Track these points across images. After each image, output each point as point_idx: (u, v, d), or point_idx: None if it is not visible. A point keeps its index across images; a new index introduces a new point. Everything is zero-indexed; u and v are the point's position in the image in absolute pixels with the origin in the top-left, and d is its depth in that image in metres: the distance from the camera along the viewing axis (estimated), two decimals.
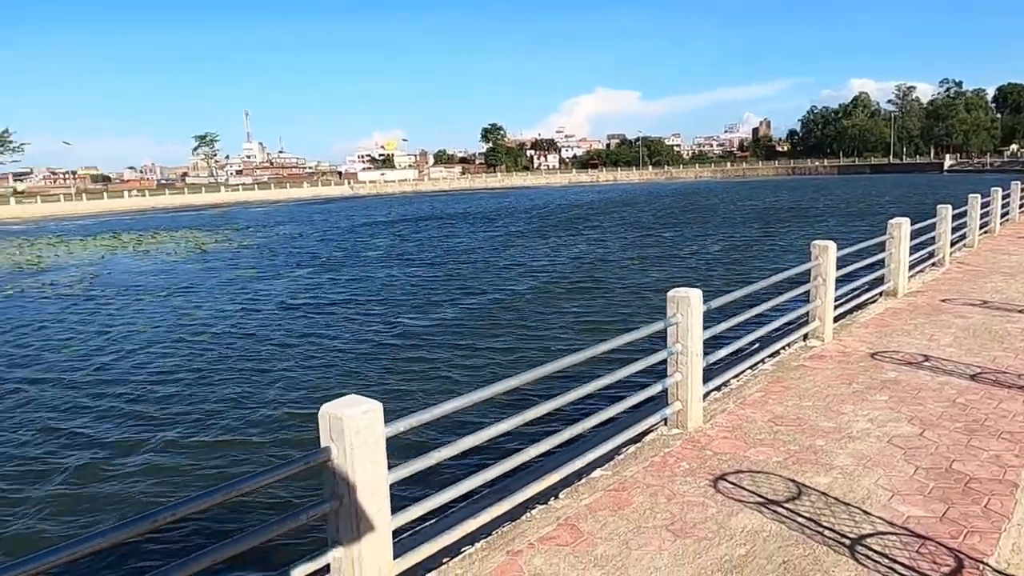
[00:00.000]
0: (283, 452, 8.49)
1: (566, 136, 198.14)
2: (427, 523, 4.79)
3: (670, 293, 5.84)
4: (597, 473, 5.15)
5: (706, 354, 6.02)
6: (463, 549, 4.18)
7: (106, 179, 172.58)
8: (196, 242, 41.06)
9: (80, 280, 26.61)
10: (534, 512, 4.62)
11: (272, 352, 13.61)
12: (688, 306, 5.66)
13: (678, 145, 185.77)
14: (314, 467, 3.29)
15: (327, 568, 3.41)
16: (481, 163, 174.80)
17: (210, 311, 18.53)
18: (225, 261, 30.83)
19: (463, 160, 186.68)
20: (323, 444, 3.24)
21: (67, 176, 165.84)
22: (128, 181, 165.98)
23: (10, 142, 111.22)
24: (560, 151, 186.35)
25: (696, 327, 5.73)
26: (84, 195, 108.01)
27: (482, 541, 4.25)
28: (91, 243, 44.37)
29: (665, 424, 5.92)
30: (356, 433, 3.17)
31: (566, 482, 4.95)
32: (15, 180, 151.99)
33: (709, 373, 6.32)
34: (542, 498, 4.77)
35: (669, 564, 3.89)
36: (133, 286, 24.32)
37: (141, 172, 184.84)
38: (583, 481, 5.04)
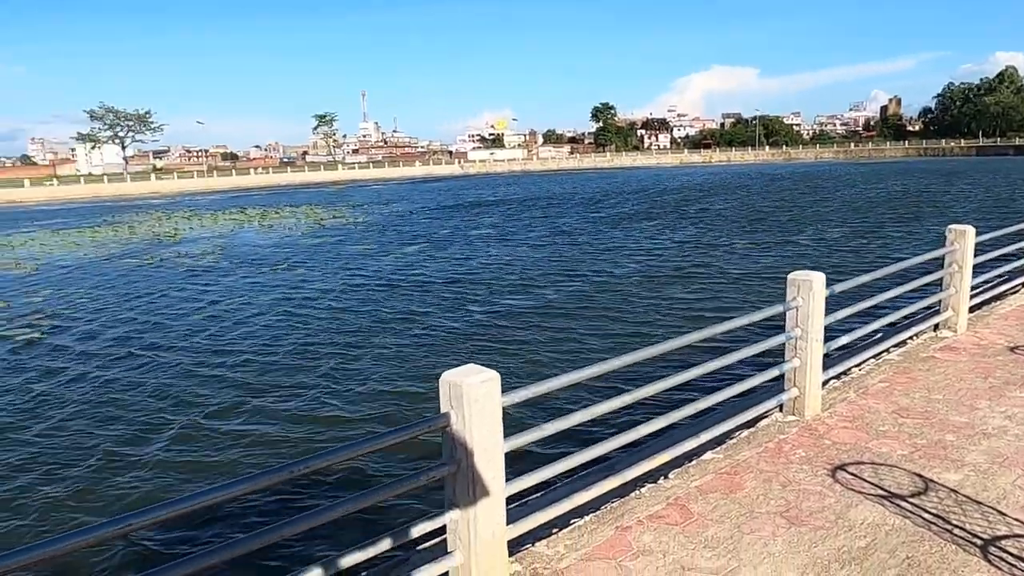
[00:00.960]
0: (395, 419, 8.82)
1: (678, 115, 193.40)
2: (537, 494, 4.87)
3: (791, 276, 5.64)
4: (708, 455, 5.09)
5: (827, 341, 5.80)
6: (572, 521, 4.24)
7: (234, 157, 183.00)
8: (315, 218, 42.94)
9: (210, 252, 28.44)
10: (643, 490, 4.62)
11: (382, 325, 14.12)
12: (810, 290, 5.46)
13: (797, 124, 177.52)
14: (433, 431, 3.43)
15: (443, 529, 3.56)
16: (590, 143, 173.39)
17: (326, 283, 19.40)
18: (341, 236, 32.10)
19: (572, 140, 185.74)
20: (442, 410, 3.36)
21: (200, 154, 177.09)
22: (254, 159, 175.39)
23: (151, 122, 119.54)
24: (671, 130, 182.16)
25: (817, 312, 5.52)
26: (215, 172, 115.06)
27: (591, 515, 4.30)
28: (220, 217, 47.27)
29: (780, 411, 5.76)
30: (475, 401, 3.27)
31: (675, 463, 4.92)
32: (155, 158, 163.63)
33: (829, 361, 6.09)
34: (650, 477, 4.76)
35: (783, 551, 3.81)
36: (257, 258, 25.77)
37: (265, 151, 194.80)
38: (693, 463, 4.99)
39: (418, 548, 4.45)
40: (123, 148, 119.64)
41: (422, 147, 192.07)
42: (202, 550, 2.88)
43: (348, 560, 3.18)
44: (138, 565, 5.83)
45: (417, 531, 3.33)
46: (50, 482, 7.66)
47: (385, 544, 3.33)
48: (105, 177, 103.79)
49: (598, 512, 4.35)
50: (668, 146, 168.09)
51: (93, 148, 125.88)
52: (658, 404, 7.23)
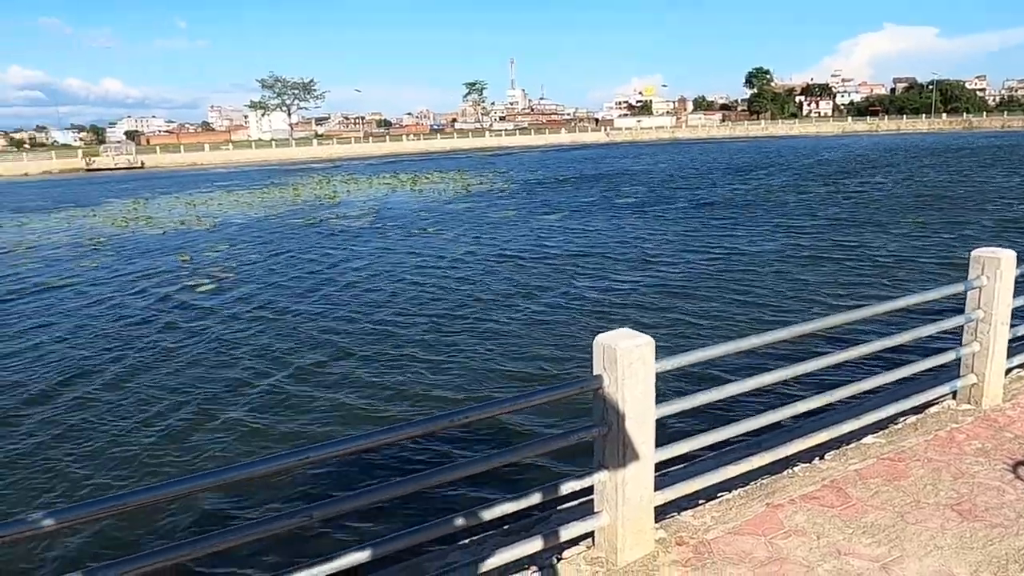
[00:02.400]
0: (537, 380, 8.97)
1: (843, 80, 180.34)
2: (682, 464, 4.82)
3: (974, 252, 5.16)
4: (869, 439, 4.81)
5: (1013, 325, 5.28)
6: (719, 494, 4.17)
7: (388, 124, 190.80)
8: (462, 183, 44.04)
9: (365, 214, 29.93)
10: (796, 470, 4.45)
11: (526, 288, 14.33)
12: (997, 267, 4.97)
13: (982, 90, 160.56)
14: (583, 392, 3.47)
15: (589, 489, 3.61)
16: (743, 110, 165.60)
17: (473, 247, 19.91)
18: (487, 202, 32.74)
19: (724, 107, 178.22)
20: (595, 372, 3.38)
21: (357, 121, 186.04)
22: (406, 126, 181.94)
23: (315, 90, 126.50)
24: (834, 97, 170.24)
25: (1005, 292, 5.03)
26: (370, 138, 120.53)
27: (740, 490, 4.20)
28: (375, 181, 49.56)
29: (953, 398, 5.33)
30: (628, 365, 3.27)
31: (832, 444, 4.69)
32: (316, 124, 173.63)
33: (1014, 348, 5.55)
34: (805, 457, 4.57)
35: (953, 545, 3.56)
36: (408, 221, 26.85)
37: (417, 118, 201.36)
38: (852, 446, 4.74)
39: (561, 507, 4.55)
40: (289, 115, 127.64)
41: (568, 115, 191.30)
42: (364, 488, 3.09)
43: (495, 511, 3.31)
44: (306, 498, 6.33)
45: (566, 488, 3.40)
46: (236, 406, 8.44)
47: (533, 499, 3.42)
48: (273, 143, 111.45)
49: (747, 487, 4.24)
50: (830, 113, 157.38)
51: (263, 115, 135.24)
52: (815, 383, 6.92)
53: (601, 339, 3.38)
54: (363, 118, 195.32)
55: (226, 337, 11.85)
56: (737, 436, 4.30)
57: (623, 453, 3.36)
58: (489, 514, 3.28)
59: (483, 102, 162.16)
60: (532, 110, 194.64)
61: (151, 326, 12.89)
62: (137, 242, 24.62)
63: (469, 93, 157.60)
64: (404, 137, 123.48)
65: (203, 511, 6.20)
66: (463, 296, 14.00)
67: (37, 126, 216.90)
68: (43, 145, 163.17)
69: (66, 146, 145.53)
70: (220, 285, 16.29)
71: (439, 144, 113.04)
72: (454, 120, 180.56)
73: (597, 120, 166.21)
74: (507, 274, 15.99)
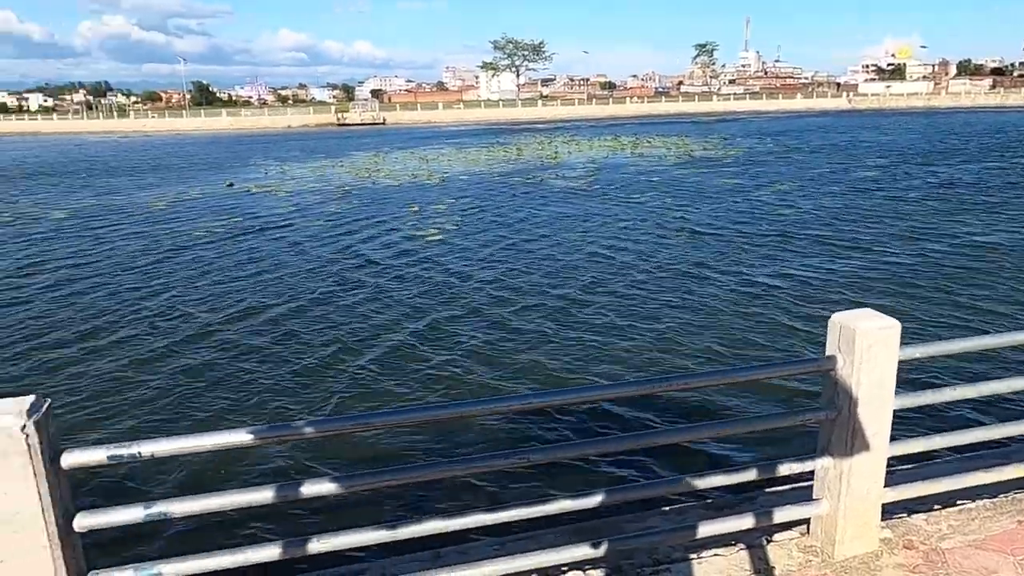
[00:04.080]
0: (757, 355, 8.59)
1: None
2: (914, 464, 4.39)
3: None
4: None
5: None
6: (959, 502, 3.76)
7: (611, 86, 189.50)
8: (684, 148, 42.77)
9: (584, 175, 30.15)
10: None
11: (748, 256, 13.68)
12: None
13: None
14: (811, 372, 3.26)
15: (810, 474, 3.41)
16: (1021, 75, 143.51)
17: (690, 214, 19.33)
18: (709, 168, 31.55)
19: (996, 71, 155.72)
20: (828, 352, 3.16)
21: (581, 83, 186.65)
22: (630, 88, 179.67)
23: (544, 52, 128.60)
24: None
25: None
26: (593, 100, 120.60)
27: (985, 500, 3.76)
28: (596, 143, 49.67)
29: None
30: (868, 348, 3.01)
31: None
32: (542, 85, 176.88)
33: None
34: None
35: None
36: (626, 184, 26.64)
37: (642, 80, 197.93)
38: None
39: (769, 489, 4.36)
40: (517, 76, 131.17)
41: (805, 78, 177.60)
42: (578, 440, 3.16)
43: (707, 481, 3.23)
44: (523, 441, 6.63)
45: (785, 469, 3.24)
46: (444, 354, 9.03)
47: (740, 476, 3.30)
48: (500, 103, 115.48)
49: (995, 500, 3.77)
50: None
51: (493, 76, 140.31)
52: None
53: (838, 318, 3.14)
54: (587, 80, 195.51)
55: (447, 283, 12.61)
56: (981, 441, 3.84)
57: (852, 442, 3.12)
58: (691, 485, 3.21)
59: (712, 64, 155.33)
60: (765, 73, 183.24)
61: (376, 269, 14.05)
62: (375, 192, 26.85)
63: (698, 55, 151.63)
64: (627, 100, 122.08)
65: (423, 442, 6.70)
66: (673, 265, 13.69)
67: (300, 84, 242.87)
68: (303, 101, 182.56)
69: (321, 103, 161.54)
70: (444, 236, 17.32)
71: (662, 107, 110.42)
72: (680, 83, 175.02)
73: (838, 85, 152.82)
74: (719, 246, 15.34)
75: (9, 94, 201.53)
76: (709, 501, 4.58)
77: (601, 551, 3.06)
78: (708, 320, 10.17)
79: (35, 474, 2.15)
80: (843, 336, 3.08)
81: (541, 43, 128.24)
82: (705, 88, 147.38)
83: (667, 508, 4.54)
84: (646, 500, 4.57)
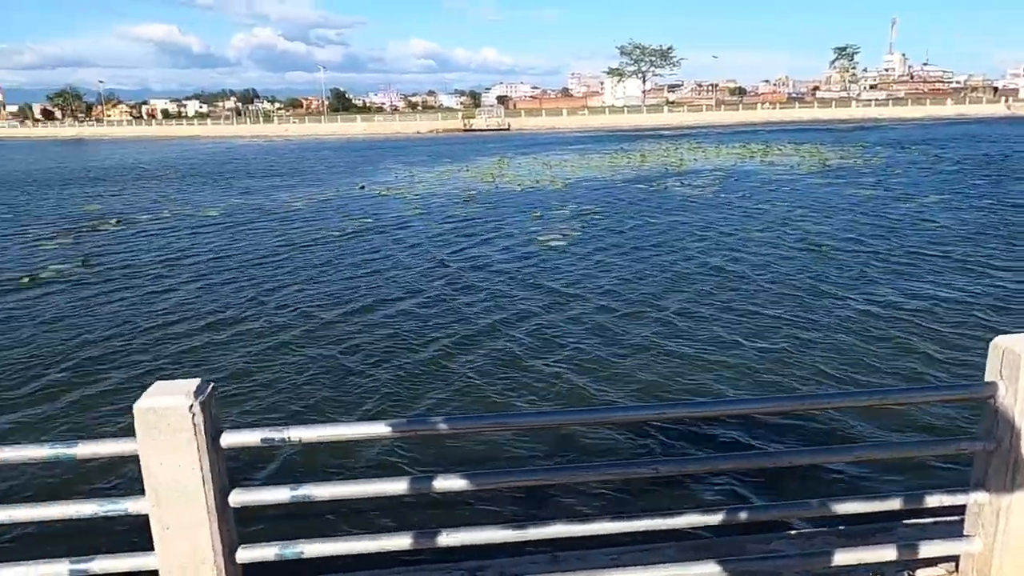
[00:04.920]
0: (899, 377, 8.07)
1: None
2: None
3: None
4: None
5: None
6: None
7: (742, 92, 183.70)
8: (819, 157, 40.83)
9: (710, 183, 29.37)
10: None
11: (888, 268, 12.87)
12: None
13: None
14: (966, 399, 3.03)
15: (957, 508, 3.17)
16: None
17: (822, 225, 18.42)
18: (846, 178, 29.94)
19: None
20: (988, 378, 2.93)
21: (709, 88, 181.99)
22: (761, 94, 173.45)
23: (671, 57, 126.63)
24: None
25: None
26: (722, 106, 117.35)
27: None
28: (723, 150, 48.31)
29: None
30: None
31: None
32: (668, 91, 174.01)
33: None
34: None
35: None
36: (754, 193, 25.73)
37: (774, 85, 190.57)
38: None
39: (914, 521, 4.08)
40: (643, 82, 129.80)
41: (957, 83, 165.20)
42: (706, 454, 3.09)
43: (841, 507, 3.07)
44: (652, 452, 6.56)
45: (934, 501, 3.02)
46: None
47: (885, 504, 3.11)
48: (625, 109, 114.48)
49: None
50: None
51: (618, 82, 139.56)
52: None
53: (1002, 342, 2.90)
54: (716, 85, 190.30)
55: (564, 290, 12.63)
56: None
57: (1012, 476, 2.87)
58: (823, 510, 3.06)
59: (852, 68, 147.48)
60: (912, 77, 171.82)
61: (495, 272, 14.25)
62: (498, 196, 27.30)
63: (837, 59, 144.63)
64: (758, 106, 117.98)
65: (541, 447, 6.74)
66: (797, 279, 13.07)
67: (429, 91, 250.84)
68: (432, 107, 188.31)
69: (449, 109, 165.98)
70: (565, 242, 17.36)
71: (796, 113, 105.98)
72: (815, 88, 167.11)
73: (995, 89, 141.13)
74: (848, 261, 14.49)
75: (170, 101, 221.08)
76: (841, 528, 4.34)
77: (722, 571, 2.98)
78: (830, 339, 9.64)
79: (198, 450, 2.34)
80: (1007, 361, 2.85)
81: (669, 48, 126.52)
82: (844, 94, 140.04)
83: (794, 532, 4.34)
84: (770, 522, 4.41)
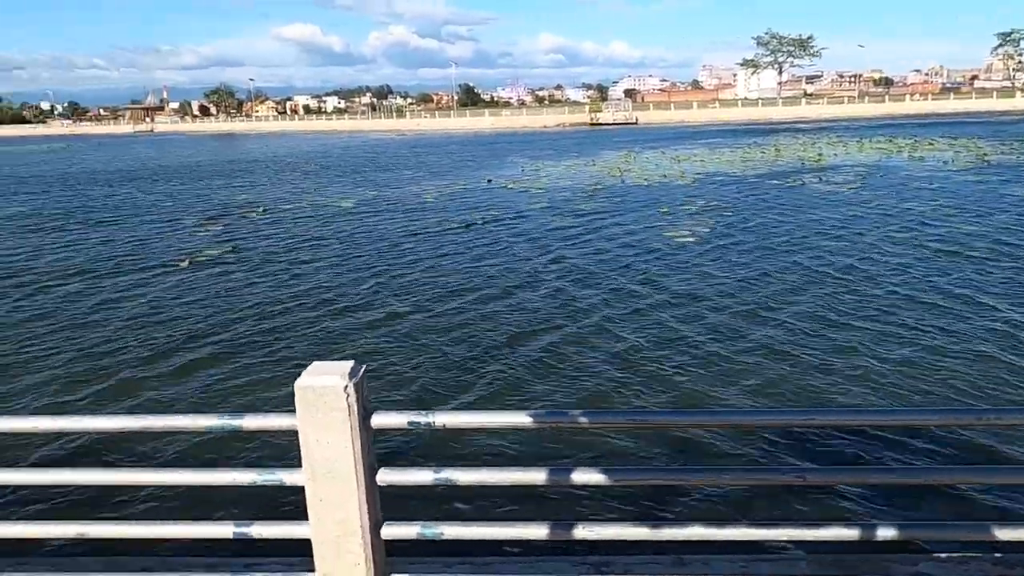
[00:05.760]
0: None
1: None
2: None
3: None
4: None
5: None
6: None
7: (888, 82, 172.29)
8: (976, 152, 37.64)
9: (849, 180, 27.73)
10: None
11: None
12: None
13: None
14: None
15: None
16: None
17: (978, 227, 16.95)
18: (1007, 176, 27.42)
19: None
20: None
21: (852, 79, 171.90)
22: (910, 84, 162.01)
23: (811, 47, 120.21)
24: None
25: None
26: (866, 98, 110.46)
27: None
28: (866, 145, 45.48)
29: None
30: None
31: None
32: (806, 83, 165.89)
33: None
34: None
35: None
36: (900, 191, 24.08)
37: (925, 75, 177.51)
38: None
39: None
40: (780, 73, 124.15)
41: None
42: (858, 465, 2.93)
43: (1007, 533, 2.83)
44: (800, 458, 6.33)
45: None
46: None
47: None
48: (759, 101, 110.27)
49: None
50: None
51: (752, 74, 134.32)
52: None
53: None
54: (859, 76, 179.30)
55: (695, 287, 12.33)
56: None
57: None
58: (974, 534, 2.84)
59: (1019, 55, 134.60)
60: None
61: (625, 268, 14.10)
62: (624, 191, 27.01)
63: (1000, 45, 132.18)
64: (906, 97, 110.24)
65: (675, 446, 6.63)
66: (944, 285, 12.08)
67: (556, 85, 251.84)
68: (559, 101, 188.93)
69: (575, 103, 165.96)
70: (694, 238, 16.94)
71: (950, 105, 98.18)
72: (974, 78, 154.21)
73: None
74: (1006, 268, 13.26)
75: (311, 97, 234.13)
76: (998, 556, 4.01)
77: None
78: (978, 352, 8.87)
79: (352, 429, 2.47)
80: None
81: (808, 37, 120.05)
82: (1007, 83, 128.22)
83: (943, 556, 4.05)
84: (917, 543, 4.15)
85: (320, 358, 3.11)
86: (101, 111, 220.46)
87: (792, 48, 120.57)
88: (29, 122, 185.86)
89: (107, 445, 6.75)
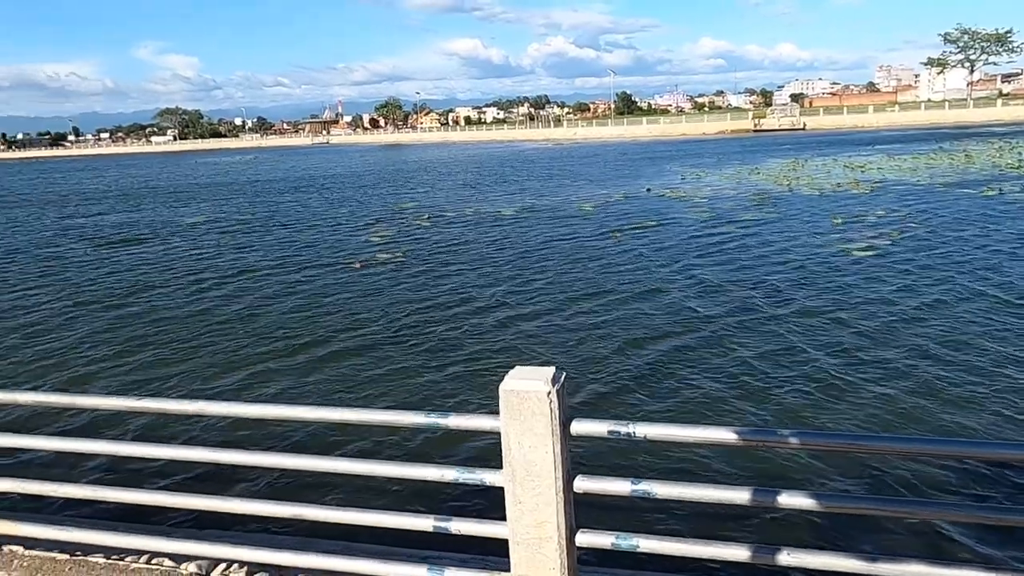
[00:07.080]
0: None
1: None
2: None
3: None
4: None
5: None
6: None
7: None
8: None
9: None
10: None
11: None
12: None
13: None
14: None
15: None
16: None
17: None
18: None
19: None
20: None
21: None
22: None
23: (1011, 42, 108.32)
24: None
25: None
26: None
27: None
28: None
29: None
30: None
31: None
32: (1003, 82, 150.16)
33: None
34: None
35: None
36: None
37: None
38: None
39: None
40: (971, 72, 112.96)
41: None
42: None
43: None
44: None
45: None
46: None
47: None
48: (946, 103, 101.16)
49: None
50: None
51: (938, 73, 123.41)
52: None
53: None
54: None
55: (876, 305, 11.47)
56: None
57: None
58: None
59: None
60: None
61: (797, 280, 13.36)
62: (792, 200, 25.66)
63: None
64: None
65: (875, 473, 6.20)
66: None
67: (717, 91, 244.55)
68: (719, 108, 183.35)
69: (737, 109, 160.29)
70: (875, 251, 15.78)
71: None
72: None
73: None
74: None
75: (472, 108, 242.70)
76: None
77: None
78: None
79: (552, 434, 2.51)
80: None
81: (1007, 32, 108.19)
82: None
83: None
84: None
85: (504, 366, 3.16)
86: (284, 125, 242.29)
87: (987, 44, 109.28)
88: (225, 136, 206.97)
89: (314, 435, 7.31)
